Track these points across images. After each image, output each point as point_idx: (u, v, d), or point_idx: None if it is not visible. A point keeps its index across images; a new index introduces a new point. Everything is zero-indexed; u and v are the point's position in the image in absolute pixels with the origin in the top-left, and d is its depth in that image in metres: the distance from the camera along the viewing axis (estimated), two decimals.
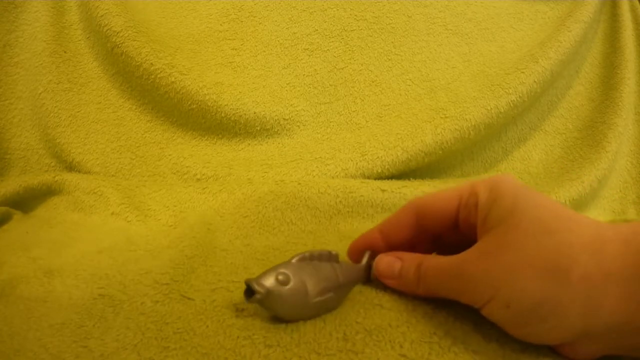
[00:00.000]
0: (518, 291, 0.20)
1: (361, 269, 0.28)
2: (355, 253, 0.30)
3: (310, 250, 0.27)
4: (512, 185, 0.24)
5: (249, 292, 0.24)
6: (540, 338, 0.22)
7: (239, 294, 0.29)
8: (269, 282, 0.24)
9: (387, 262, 0.28)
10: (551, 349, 0.23)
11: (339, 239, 0.39)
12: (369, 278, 0.29)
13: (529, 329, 0.21)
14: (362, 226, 0.43)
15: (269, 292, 0.24)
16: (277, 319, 0.26)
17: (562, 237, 0.20)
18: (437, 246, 0.29)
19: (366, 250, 0.29)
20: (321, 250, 0.27)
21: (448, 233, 0.28)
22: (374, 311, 0.26)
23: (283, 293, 0.24)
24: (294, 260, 0.26)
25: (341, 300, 0.27)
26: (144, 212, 0.44)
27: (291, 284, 0.24)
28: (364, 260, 0.29)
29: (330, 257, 0.27)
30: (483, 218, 0.24)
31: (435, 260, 0.25)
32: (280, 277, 0.24)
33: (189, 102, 0.51)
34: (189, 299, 0.29)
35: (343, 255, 0.33)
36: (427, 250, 0.29)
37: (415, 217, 0.27)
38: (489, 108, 0.50)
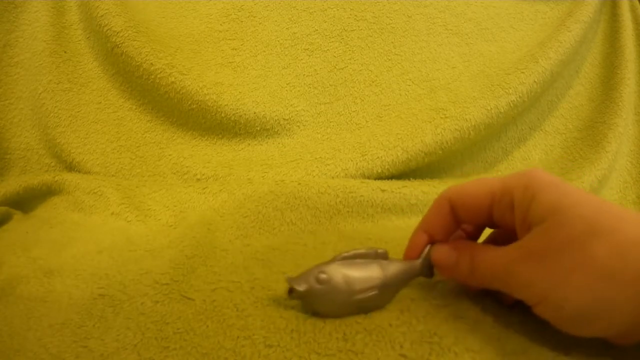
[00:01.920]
0: (570, 294, 0.20)
1: (417, 266, 0.28)
2: (408, 257, 0.28)
3: (355, 249, 0.27)
4: (548, 181, 0.23)
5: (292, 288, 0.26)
6: (593, 333, 0.22)
7: (239, 294, 0.29)
8: (309, 281, 0.25)
9: (444, 253, 0.27)
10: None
11: (339, 239, 0.39)
12: (431, 272, 0.28)
13: (582, 328, 0.21)
14: (362, 226, 0.43)
15: (307, 290, 0.25)
16: (317, 315, 0.26)
17: (610, 239, 0.20)
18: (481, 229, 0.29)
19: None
20: (367, 248, 0.27)
21: (486, 224, 0.27)
22: (374, 312, 0.26)
23: (321, 291, 0.25)
24: (336, 260, 0.26)
25: (389, 298, 0.27)
26: (144, 212, 0.44)
27: (331, 283, 0.25)
28: (423, 254, 0.28)
29: (377, 255, 0.27)
30: (522, 218, 0.23)
31: (486, 255, 0.24)
32: (321, 276, 0.25)
33: (189, 102, 0.51)
34: (189, 299, 0.29)
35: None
36: (475, 232, 0.29)
37: (451, 210, 0.27)
38: (489, 108, 0.50)
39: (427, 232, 0.28)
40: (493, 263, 0.24)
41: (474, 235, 0.29)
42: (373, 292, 0.26)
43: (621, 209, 0.22)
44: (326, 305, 0.26)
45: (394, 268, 0.27)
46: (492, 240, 0.29)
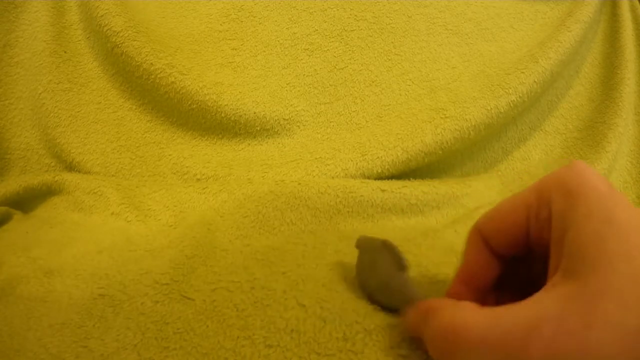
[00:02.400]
0: None
1: None
2: None
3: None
4: (594, 197, 0.16)
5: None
6: None
7: (239, 294, 0.29)
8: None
9: (410, 315, 0.22)
10: None
11: (339, 239, 0.39)
12: None
13: None
14: (362, 226, 0.43)
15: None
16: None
17: None
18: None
19: None
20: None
21: (520, 249, 0.21)
22: (374, 311, 0.26)
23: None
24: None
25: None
26: (144, 212, 0.44)
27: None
28: None
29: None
30: (557, 242, 0.17)
31: (472, 318, 0.17)
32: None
33: (189, 102, 0.51)
34: (189, 299, 0.29)
35: (346, 252, 0.33)
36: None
37: (485, 244, 0.21)
38: (489, 108, 0.50)
39: (465, 282, 0.22)
40: (486, 335, 0.16)
41: None
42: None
43: None
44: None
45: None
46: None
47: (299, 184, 0.44)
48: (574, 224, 0.16)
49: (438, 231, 0.42)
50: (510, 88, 0.51)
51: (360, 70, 0.55)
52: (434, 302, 0.20)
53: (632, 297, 0.14)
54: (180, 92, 0.51)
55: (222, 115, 0.51)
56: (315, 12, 0.57)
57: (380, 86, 0.54)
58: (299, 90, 0.54)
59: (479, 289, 0.22)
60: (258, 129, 0.52)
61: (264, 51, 0.55)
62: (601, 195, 0.17)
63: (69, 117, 0.53)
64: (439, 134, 0.49)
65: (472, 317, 0.17)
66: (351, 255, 0.33)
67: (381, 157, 0.48)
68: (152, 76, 0.51)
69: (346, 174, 0.47)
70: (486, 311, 0.17)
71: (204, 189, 0.45)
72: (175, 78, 0.51)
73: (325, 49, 0.56)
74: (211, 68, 0.54)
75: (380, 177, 0.48)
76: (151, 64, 0.51)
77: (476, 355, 0.16)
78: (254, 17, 0.57)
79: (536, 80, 0.52)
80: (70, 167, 0.52)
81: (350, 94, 0.54)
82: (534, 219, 0.19)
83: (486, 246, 0.21)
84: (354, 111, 0.54)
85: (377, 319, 0.26)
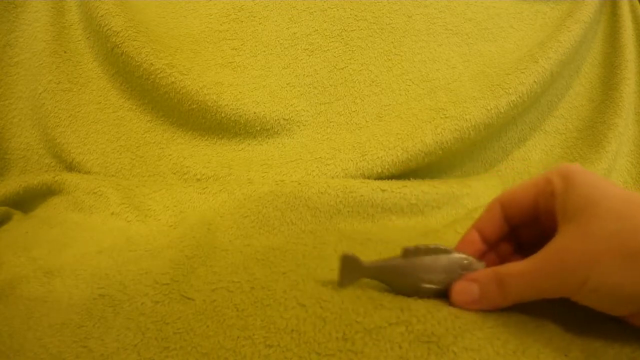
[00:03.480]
0: (603, 276, 0.22)
1: None
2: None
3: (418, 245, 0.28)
4: (583, 175, 0.26)
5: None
6: (621, 312, 0.24)
7: (239, 294, 0.29)
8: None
9: (462, 289, 0.27)
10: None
11: (339, 239, 0.39)
12: None
13: (613, 307, 0.24)
14: (362, 226, 0.43)
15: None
16: None
17: (634, 223, 0.22)
18: (515, 247, 0.31)
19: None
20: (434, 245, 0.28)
21: (528, 227, 0.29)
22: (374, 311, 0.26)
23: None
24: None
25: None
26: (144, 212, 0.44)
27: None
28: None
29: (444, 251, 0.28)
30: (562, 206, 0.25)
31: (516, 268, 0.25)
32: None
33: (189, 102, 0.51)
34: (189, 299, 0.29)
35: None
36: (508, 251, 0.30)
37: (502, 209, 0.29)
38: (489, 108, 0.50)
39: (479, 230, 0.30)
40: (528, 271, 0.25)
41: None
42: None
43: None
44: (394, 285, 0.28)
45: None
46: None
47: (299, 184, 0.44)
48: (572, 191, 0.25)
49: (438, 231, 0.42)
50: (510, 88, 0.51)
51: (360, 70, 0.55)
52: (487, 276, 0.27)
53: (611, 216, 0.23)
54: (180, 92, 0.51)
55: (222, 115, 0.51)
56: (315, 12, 0.57)
57: (380, 86, 0.54)
58: (299, 90, 0.54)
59: (486, 239, 0.30)
60: (258, 129, 0.52)
61: (264, 51, 0.55)
62: (588, 174, 0.26)
63: (69, 117, 0.53)
64: (439, 134, 0.49)
65: (522, 264, 0.25)
66: None
67: (381, 157, 0.48)
68: (152, 76, 0.51)
69: (346, 174, 0.47)
70: (524, 261, 0.25)
71: (204, 189, 0.45)
72: (175, 78, 0.51)
73: (325, 49, 0.56)
74: (211, 68, 0.54)
75: (380, 177, 0.48)
76: (151, 64, 0.51)
77: (529, 289, 0.25)
78: (254, 17, 0.57)
79: (536, 80, 0.52)
80: (70, 167, 0.52)
81: (350, 94, 0.54)
82: (541, 195, 0.27)
83: (501, 211, 0.29)
84: (354, 111, 0.54)
85: (377, 319, 0.26)
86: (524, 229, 0.30)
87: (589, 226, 0.23)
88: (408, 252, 0.28)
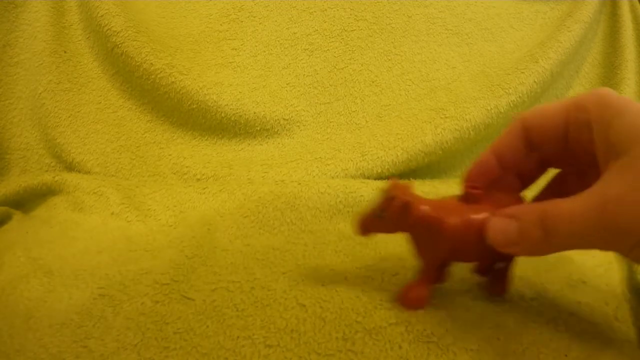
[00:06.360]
0: None
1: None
2: (472, 180, 0.26)
3: None
4: (625, 102, 0.21)
5: None
6: None
7: (239, 294, 0.29)
8: None
9: (499, 229, 0.22)
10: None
11: (339, 239, 0.39)
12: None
13: None
14: None
15: None
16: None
17: None
18: (544, 170, 0.26)
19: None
20: None
21: (558, 152, 0.25)
22: (374, 311, 0.26)
23: None
24: None
25: None
26: (144, 212, 0.44)
27: None
28: None
29: None
30: (604, 138, 0.21)
31: (564, 208, 0.21)
32: None
33: (189, 102, 0.51)
34: (189, 299, 0.29)
35: (346, 252, 0.33)
36: (534, 176, 0.26)
37: (524, 133, 0.25)
38: (489, 108, 0.50)
39: (495, 152, 0.26)
40: (578, 215, 0.20)
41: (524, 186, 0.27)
42: None
43: None
44: None
45: None
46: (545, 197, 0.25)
47: (299, 184, 0.44)
48: (614, 122, 0.20)
49: None
50: (510, 88, 0.51)
51: (360, 70, 0.55)
52: (530, 214, 0.22)
53: None
54: (180, 92, 0.51)
55: (222, 115, 0.51)
56: (315, 12, 0.57)
57: (380, 86, 0.54)
58: (299, 90, 0.54)
59: (503, 165, 0.25)
60: (258, 129, 0.52)
61: (264, 51, 0.55)
62: (627, 100, 0.21)
63: (69, 117, 0.53)
64: (439, 134, 0.49)
65: (570, 204, 0.21)
66: (351, 255, 0.33)
67: (381, 157, 0.48)
68: (152, 76, 0.51)
69: (346, 174, 0.47)
70: (573, 200, 0.21)
71: (204, 189, 0.45)
72: (175, 78, 0.51)
73: (325, 49, 0.56)
74: (211, 68, 0.54)
75: (380, 177, 0.48)
76: (151, 64, 0.51)
77: (578, 236, 0.20)
78: (254, 17, 0.57)
79: (536, 80, 0.52)
80: (70, 167, 0.52)
81: (350, 94, 0.54)
82: (573, 122, 0.23)
83: (523, 133, 0.25)
84: (354, 111, 0.54)
85: (377, 319, 0.26)
86: (551, 157, 0.25)
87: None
88: None
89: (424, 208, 0.24)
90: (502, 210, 0.23)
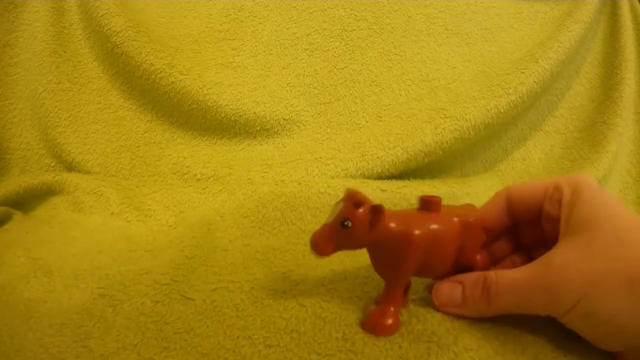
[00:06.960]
0: (598, 302, 0.21)
1: None
2: None
3: None
4: (592, 190, 0.25)
5: None
6: (613, 347, 0.23)
7: (239, 294, 0.29)
8: None
9: (445, 291, 0.26)
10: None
11: None
12: None
13: (605, 338, 0.22)
14: None
15: None
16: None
17: (636, 250, 0.21)
18: (514, 246, 0.30)
19: None
20: None
21: (530, 227, 0.28)
22: None
23: None
24: None
25: None
26: (144, 212, 0.44)
27: None
28: None
29: None
30: (567, 217, 0.24)
31: (507, 276, 0.24)
32: None
33: (189, 102, 0.51)
34: (189, 299, 0.29)
35: (346, 252, 0.33)
36: (505, 249, 0.30)
37: (507, 201, 0.28)
38: (489, 108, 0.50)
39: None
40: (520, 281, 0.23)
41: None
42: None
43: None
44: None
45: None
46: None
47: (299, 184, 0.44)
48: (579, 204, 0.24)
49: None
50: (510, 88, 0.51)
51: (360, 70, 0.55)
52: (474, 280, 0.25)
53: (614, 240, 0.22)
54: (180, 92, 0.51)
55: (222, 115, 0.51)
56: (315, 12, 0.57)
57: (380, 86, 0.54)
58: (299, 90, 0.54)
59: (486, 229, 0.28)
60: (258, 129, 0.52)
61: (264, 51, 0.55)
62: (598, 190, 0.25)
63: (69, 117, 0.53)
64: (439, 134, 0.48)
65: (513, 273, 0.24)
66: (351, 255, 0.33)
67: (381, 157, 0.48)
68: (152, 76, 0.51)
69: (346, 174, 0.47)
70: (516, 270, 0.24)
71: (204, 189, 0.45)
72: (175, 78, 0.51)
73: (325, 49, 0.56)
74: (211, 68, 0.54)
75: (380, 177, 0.48)
76: (151, 64, 0.51)
77: (517, 301, 0.24)
78: (254, 17, 0.57)
79: (536, 80, 0.52)
80: (70, 167, 0.52)
81: (350, 94, 0.54)
82: (548, 199, 0.26)
83: (506, 203, 0.28)
84: (354, 111, 0.54)
85: None
86: (524, 228, 0.29)
87: (590, 246, 0.22)
88: None
89: (392, 215, 0.24)
90: (451, 277, 0.26)
